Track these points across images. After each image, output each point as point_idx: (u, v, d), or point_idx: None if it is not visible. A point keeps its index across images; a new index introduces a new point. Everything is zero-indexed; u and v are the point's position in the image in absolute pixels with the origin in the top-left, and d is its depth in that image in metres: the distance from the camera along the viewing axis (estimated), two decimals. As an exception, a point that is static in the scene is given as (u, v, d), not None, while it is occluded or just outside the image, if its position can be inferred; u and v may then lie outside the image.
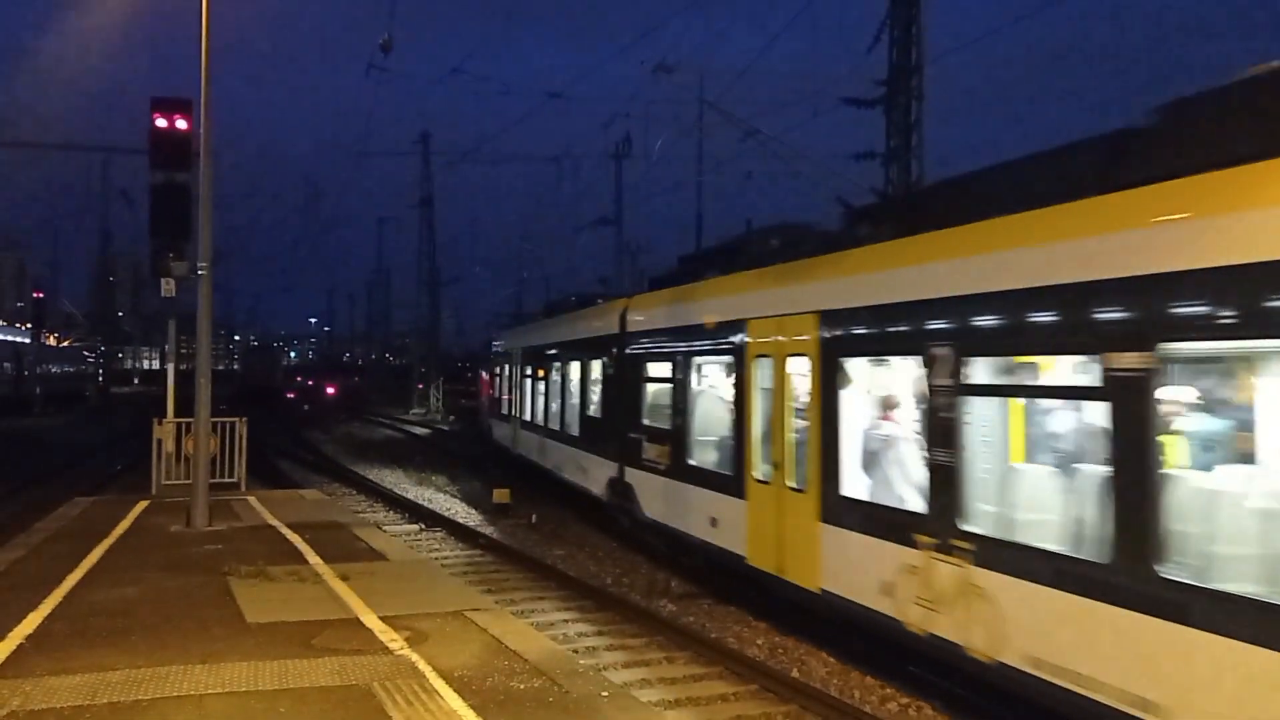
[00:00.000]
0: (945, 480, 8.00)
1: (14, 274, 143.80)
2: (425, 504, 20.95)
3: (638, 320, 15.74)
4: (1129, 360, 6.33)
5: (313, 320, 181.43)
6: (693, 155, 35.55)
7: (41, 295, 68.72)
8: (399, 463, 30.55)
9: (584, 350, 18.76)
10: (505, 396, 27.15)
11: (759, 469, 11.30)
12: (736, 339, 11.91)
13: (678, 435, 13.76)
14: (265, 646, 7.52)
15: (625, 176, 45.29)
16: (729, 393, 12.27)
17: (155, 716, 6.05)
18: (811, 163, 20.53)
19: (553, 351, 21.31)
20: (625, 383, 16.00)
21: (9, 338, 64.27)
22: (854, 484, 9.55)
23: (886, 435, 9.35)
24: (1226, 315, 5.82)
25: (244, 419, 17.31)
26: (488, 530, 17.55)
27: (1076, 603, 6.63)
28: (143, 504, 15.34)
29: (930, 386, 8.23)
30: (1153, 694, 6.05)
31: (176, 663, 7.05)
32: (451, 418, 53.27)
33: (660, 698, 8.88)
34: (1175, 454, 6.38)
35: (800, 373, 10.40)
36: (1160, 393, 6.23)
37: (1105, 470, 6.57)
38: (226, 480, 16.70)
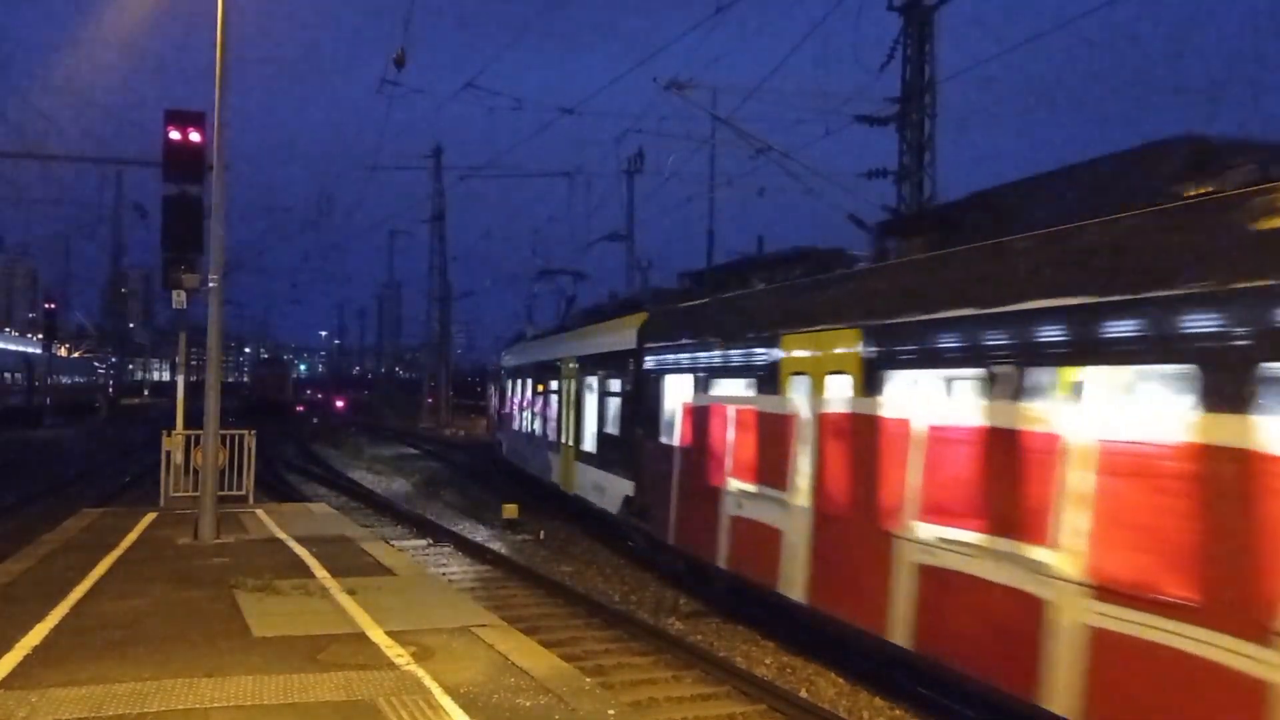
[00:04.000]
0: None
1: (26, 284, 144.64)
2: (433, 518, 20.92)
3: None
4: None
5: (323, 333, 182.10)
6: (705, 171, 35.56)
7: (53, 306, 68.97)
8: (407, 476, 30.54)
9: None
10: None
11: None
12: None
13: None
14: (271, 661, 7.49)
15: (637, 192, 45.22)
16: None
17: (160, 730, 6.02)
18: (824, 180, 20.45)
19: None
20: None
21: (20, 348, 64.58)
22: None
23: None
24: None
25: (253, 432, 17.33)
26: (495, 546, 17.49)
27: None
28: (151, 516, 15.35)
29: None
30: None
31: (183, 676, 7.03)
32: (450, 430, 53.37)
33: (668, 717, 8.83)
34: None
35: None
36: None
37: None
38: (235, 493, 16.71)
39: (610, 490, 16.61)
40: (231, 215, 14.13)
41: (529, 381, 24.16)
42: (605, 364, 17.30)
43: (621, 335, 16.30)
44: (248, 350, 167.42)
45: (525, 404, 24.78)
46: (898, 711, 9.06)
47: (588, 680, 7.62)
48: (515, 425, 26.34)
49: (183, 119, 14.17)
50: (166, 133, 14.03)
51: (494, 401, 33.30)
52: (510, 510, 19.86)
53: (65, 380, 66.52)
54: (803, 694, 9.46)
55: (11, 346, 64.42)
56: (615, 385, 16.71)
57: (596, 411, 17.75)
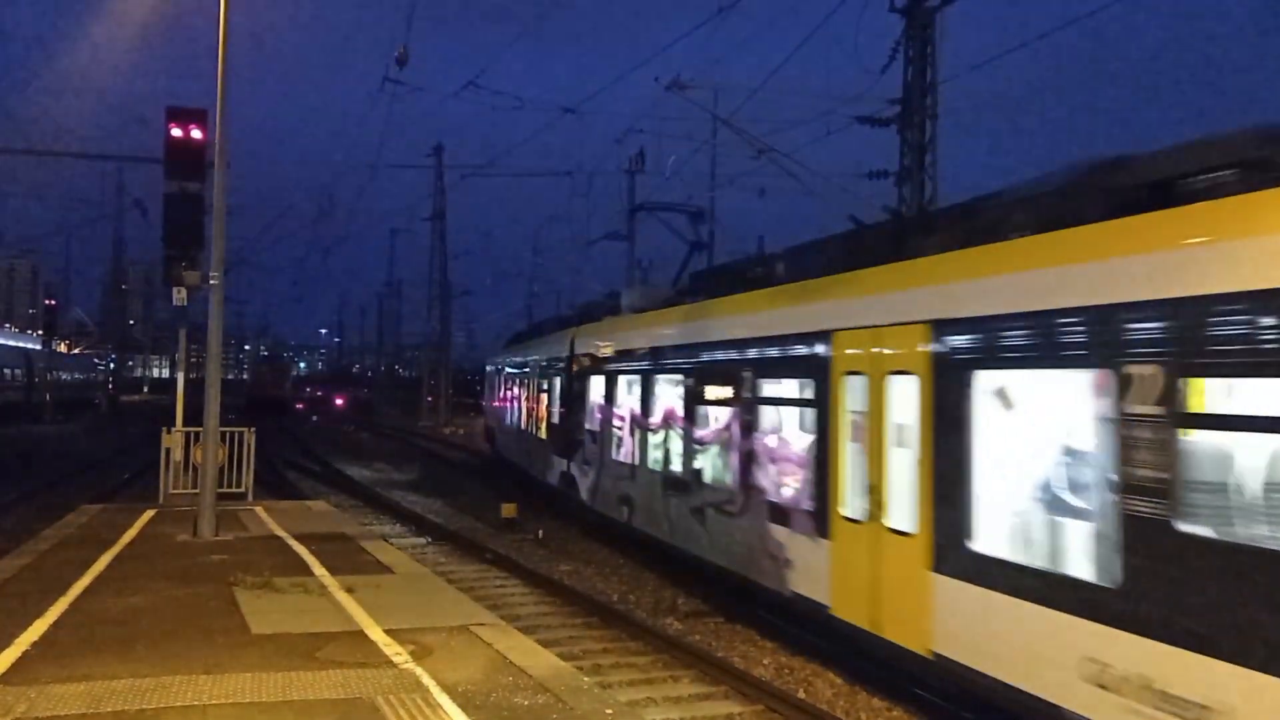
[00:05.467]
0: None
1: (27, 280, 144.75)
2: (432, 517, 20.93)
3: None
4: None
5: (323, 331, 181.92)
6: (706, 171, 35.45)
7: (54, 302, 69.00)
8: (403, 473, 30.54)
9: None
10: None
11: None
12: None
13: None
14: (270, 658, 7.51)
15: (638, 192, 45.19)
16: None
17: (158, 727, 6.04)
18: (824, 181, 20.43)
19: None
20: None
21: (20, 344, 64.60)
22: None
23: None
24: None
25: (252, 429, 17.34)
26: (494, 545, 17.49)
27: None
28: (150, 513, 15.36)
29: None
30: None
31: (181, 673, 7.04)
32: (450, 429, 53.56)
33: (665, 716, 8.83)
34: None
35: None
36: None
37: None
38: (234, 490, 16.73)
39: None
40: (232, 212, 14.16)
41: (684, 381, 13.55)
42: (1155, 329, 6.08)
43: None
44: (248, 348, 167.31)
45: (662, 420, 14.33)
46: (896, 712, 9.07)
47: (585, 679, 7.63)
48: (622, 453, 16.09)
49: (184, 116, 14.18)
50: (168, 130, 14.04)
51: (505, 406, 28.07)
52: (509, 509, 19.86)
53: (65, 377, 66.53)
54: (800, 694, 9.46)
55: (11, 343, 64.47)
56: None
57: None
